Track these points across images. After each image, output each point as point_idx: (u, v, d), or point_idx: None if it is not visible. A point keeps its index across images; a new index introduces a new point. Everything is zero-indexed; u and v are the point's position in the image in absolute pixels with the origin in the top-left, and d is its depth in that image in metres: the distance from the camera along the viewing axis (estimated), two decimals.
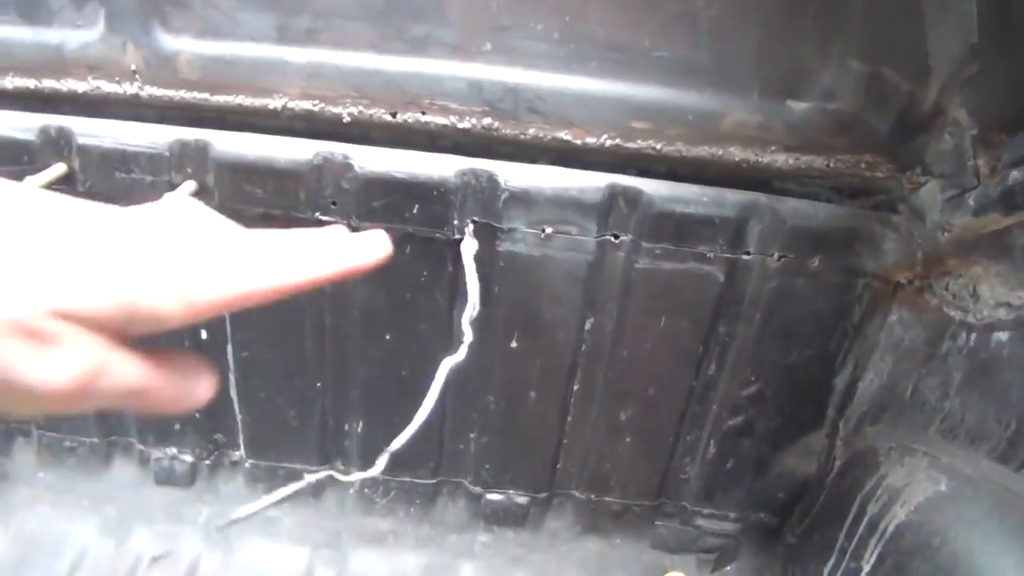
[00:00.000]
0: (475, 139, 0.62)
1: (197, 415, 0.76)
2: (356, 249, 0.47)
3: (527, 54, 0.59)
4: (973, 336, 0.60)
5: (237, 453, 0.78)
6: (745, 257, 0.64)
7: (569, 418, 0.74)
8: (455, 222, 0.62)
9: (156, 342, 0.35)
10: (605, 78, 0.60)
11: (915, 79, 0.58)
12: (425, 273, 0.64)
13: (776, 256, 0.64)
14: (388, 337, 0.68)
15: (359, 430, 0.74)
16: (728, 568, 0.82)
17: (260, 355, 0.71)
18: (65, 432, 0.80)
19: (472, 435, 0.76)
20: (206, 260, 0.37)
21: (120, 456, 0.82)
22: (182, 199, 0.49)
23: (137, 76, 0.62)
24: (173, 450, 0.79)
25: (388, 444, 0.76)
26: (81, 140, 0.63)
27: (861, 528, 0.66)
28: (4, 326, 0.29)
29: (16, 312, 0.29)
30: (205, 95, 0.63)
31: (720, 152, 0.62)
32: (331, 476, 0.50)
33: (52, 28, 0.62)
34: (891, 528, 0.62)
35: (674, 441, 0.75)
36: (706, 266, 0.65)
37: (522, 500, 0.80)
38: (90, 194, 0.49)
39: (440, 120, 0.62)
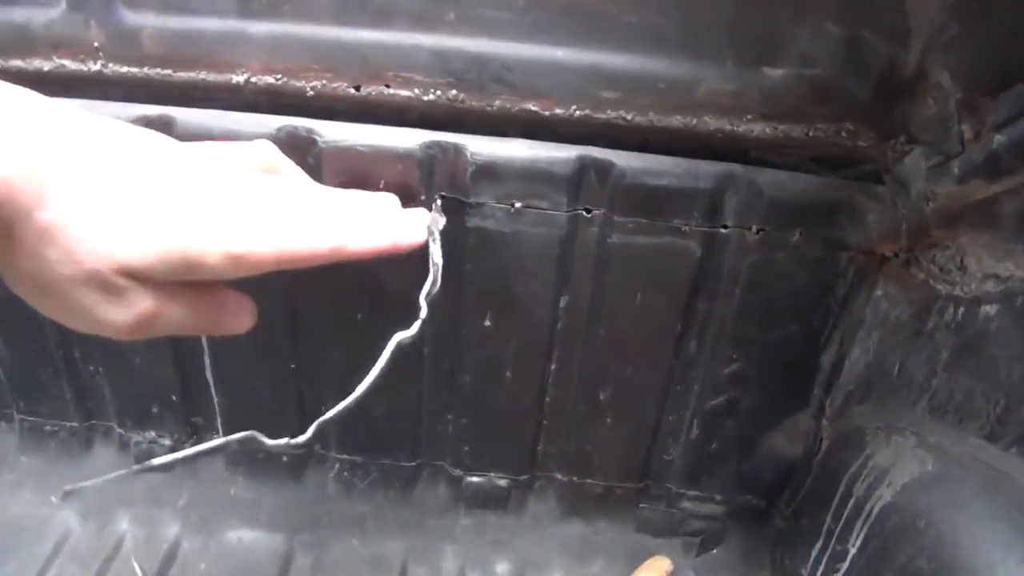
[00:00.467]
0: (441, 111, 0.61)
1: (174, 398, 0.75)
2: (403, 227, 0.50)
3: (492, 23, 0.58)
4: (960, 310, 0.58)
5: (216, 436, 0.78)
6: (723, 231, 0.62)
7: (548, 398, 0.72)
8: (422, 197, 0.61)
9: None
10: (573, 46, 0.58)
11: (895, 42, 0.56)
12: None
13: (755, 229, 0.62)
14: (360, 317, 0.68)
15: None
16: (715, 551, 0.81)
17: (233, 337, 0.70)
18: (45, 416, 0.80)
19: (450, 416, 0.74)
20: (260, 217, 0.42)
21: (100, 440, 0.82)
22: (259, 144, 0.50)
23: (101, 53, 0.62)
24: (152, 434, 0.79)
25: (363, 425, 0.75)
26: None
27: (847, 510, 0.65)
28: (86, 277, 0.37)
29: (94, 267, 0.36)
30: (168, 71, 0.62)
31: (694, 122, 0.60)
32: (254, 437, 0.49)
33: (17, 7, 0.61)
34: (876, 510, 0.61)
35: (656, 421, 0.74)
36: (682, 240, 0.63)
37: (503, 483, 0.78)
38: None
39: (405, 92, 0.60)
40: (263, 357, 0.71)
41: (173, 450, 0.79)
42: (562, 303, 0.66)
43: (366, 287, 0.66)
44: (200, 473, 0.81)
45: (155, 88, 0.62)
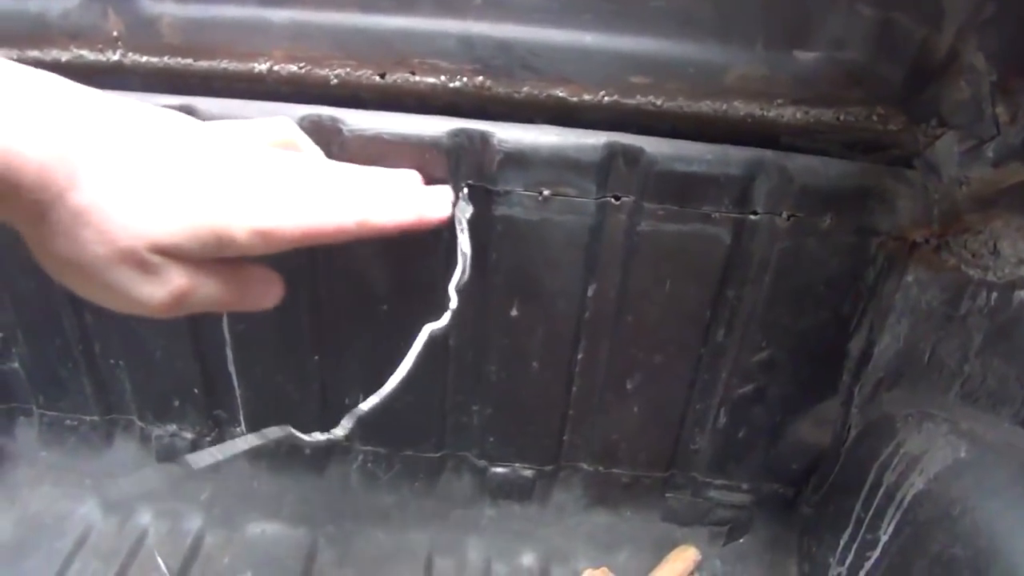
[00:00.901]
0: (467, 99, 0.60)
1: (196, 391, 0.75)
2: (428, 201, 0.50)
3: (519, 7, 0.57)
4: (994, 295, 0.58)
5: (238, 429, 0.77)
6: (752, 217, 0.62)
7: (574, 388, 0.72)
8: (449, 185, 0.60)
9: None
10: (601, 31, 0.57)
11: (929, 23, 0.55)
12: (419, 241, 0.62)
13: (785, 216, 0.61)
14: (385, 308, 0.67)
15: (359, 403, 0.72)
16: (741, 541, 0.80)
17: (256, 329, 0.70)
18: (66, 411, 0.79)
19: (475, 407, 0.74)
20: (286, 193, 0.43)
21: (121, 434, 0.81)
22: (279, 121, 0.51)
23: (119, 43, 0.61)
24: (174, 427, 0.78)
25: (387, 417, 0.74)
26: None
27: (878, 498, 0.64)
28: (120, 256, 0.38)
29: (129, 245, 0.37)
30: (189, 60, 0.61)
31: (724, 107, 0.59)
32: (289, 433, 0.49)
33: None
34: (909, 497, 0.60)
35: (683, 410, 0.73)
36: (712, 227, 0.62)
37: (528, 473, 0.78)
38: None
39: (430, 80, 0.59)
40: (286, 349, 0.71)
41: (195, 444, 0.78)
42: (590, 292, 0.65)
43: (389, 279, 0.66)
44: (222, 466, 0.80)
45: (175, 78, 0.61)
